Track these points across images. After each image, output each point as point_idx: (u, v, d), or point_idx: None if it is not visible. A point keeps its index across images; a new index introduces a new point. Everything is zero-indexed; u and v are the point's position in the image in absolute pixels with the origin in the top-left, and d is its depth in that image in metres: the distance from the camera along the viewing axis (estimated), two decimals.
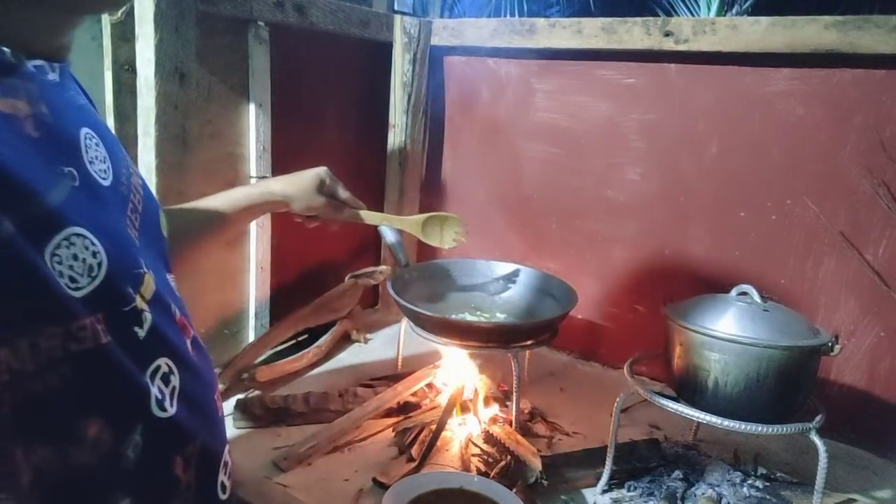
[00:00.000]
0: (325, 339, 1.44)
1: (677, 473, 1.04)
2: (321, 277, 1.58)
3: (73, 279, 0.41)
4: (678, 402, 0.94)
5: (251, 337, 1.42)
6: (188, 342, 0.58)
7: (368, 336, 1.58)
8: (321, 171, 1.06)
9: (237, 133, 1.29)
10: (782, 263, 1.31)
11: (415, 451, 1.05)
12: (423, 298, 1.28)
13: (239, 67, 1.26)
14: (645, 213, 1.46)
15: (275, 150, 1.36)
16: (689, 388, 0.94)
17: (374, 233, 1.71)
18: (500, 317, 1.29)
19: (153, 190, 1.04)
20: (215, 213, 0.93)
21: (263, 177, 1.34)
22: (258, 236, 1.37)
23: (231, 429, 1.12)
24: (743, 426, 0.88)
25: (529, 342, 1.11)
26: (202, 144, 1.20)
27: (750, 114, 1.29)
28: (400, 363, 1.31)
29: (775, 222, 1.30)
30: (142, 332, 0.48)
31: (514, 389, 1.09)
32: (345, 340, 1.54)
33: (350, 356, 1.49)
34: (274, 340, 1.38)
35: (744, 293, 0.96)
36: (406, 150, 1.62)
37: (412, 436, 1.08)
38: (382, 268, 1.58)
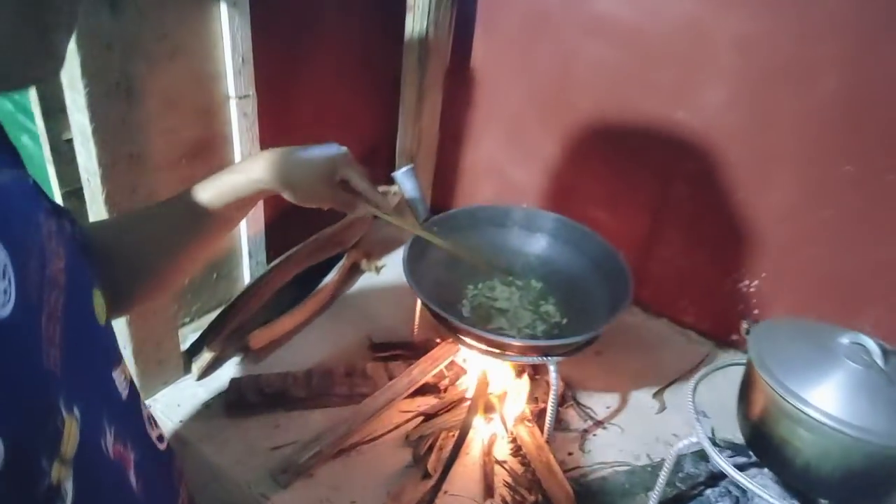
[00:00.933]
0: (330, 279, 1.25)
1: (724, 503, 0.92)
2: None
3: None
4: (755, 468, 0.78)
5: (247, 277, 1.25)
6: (131, 475, 0.47)
7: (380, 263, 1.39)
8: (336, 154, 0.77)
9: (206, 45, 0.98)
10: (886, 234, 1.06)
11: (431, 463, 0.93)
12: (444, 262, 1.07)
13: None
14: (720, 145, 1.17)
15: (258, 59, 1.05)
16: (769, 453, 0.77)
17: (386, 142, 1.44)
18: (536, 286, 1.09)
19: (92, 157, 0.79)
20: (197, 212, 0.68)
21: (246, 95, 1.05)
22: None
23: (223, 419, 0.99)
24: None
25: (571, 349, 0.92)
26: (157, 70, 0.91)
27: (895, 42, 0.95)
28: (416, 327, 1.14)
29: (892, 184, 1.03)
30: None
31: (549, 404, 0.93)
32: (354, 272, 1.36)
33: (360, 293, 1.32)
34: (272, 285, 1.20)
35: (859, 345, 0.74)
36: (428, 40, 1.28)
37: (428, 444, 0.95)
38: (393, 188, 1.34)
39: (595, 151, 1.32)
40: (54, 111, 0.87)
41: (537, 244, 1.12)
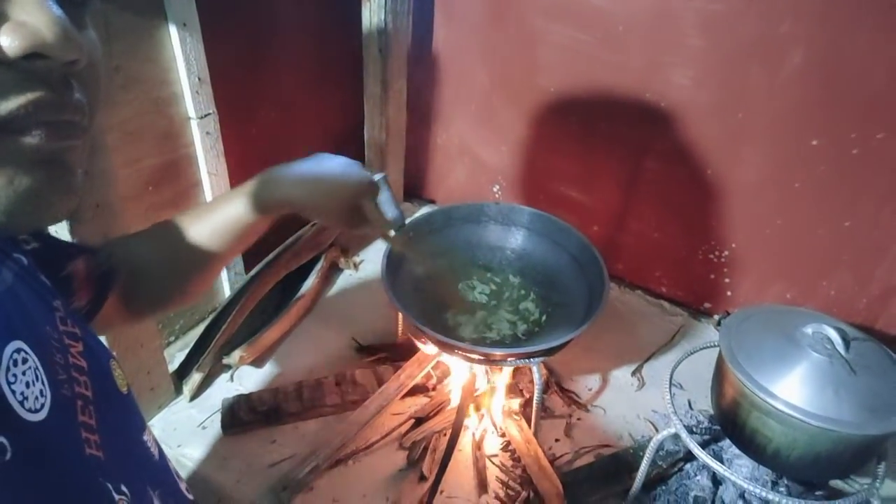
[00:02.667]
0: (309, 285, 1.26)
1: (702, 476, 0.98)
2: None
3: None
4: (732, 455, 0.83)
5: (227, 289, 1.25)
6: None
7: (358, 259, 1.40)
8: (359, 184, 0.74)
9: (160, 71, 0.94)
10: (851, 204, 1.09)
11: (426, 465, 0.97)
12: (423, 259, 1.08)
13: None
14: (690, 124, 1.18)
15: (216, 76, 1.02)
16: (743, 440, 0.82)
17: (354, 135, 1.42)
18: (514, 280, 1.11)
19: None
20: (230, 223, 0.68)
21: (206, 114, 1.03)
22: (213, 185, 1.10)
23: (219, 438, 1.02)
24: None
25: (551, 349, 0.95)
26: (114, 104, 0.88)
27: (860, 18, 0.94)
28: (401, 328, 1.16)
29: (856, 157, 1.05)
30: None
31: (534, 402, 0.97)
32: (333, 271, 1.36)
33: (341, 297, 1.33)
34: (254, 297, 1.20)
35: (822, 334, 0.78)
36: (387, 30, 1.24)
37: (422, 447, 0.99)
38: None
39: (565, 131, 1.32)
40: None
41: (513, 239, 1.14)
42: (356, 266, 1.38)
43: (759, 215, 1.19)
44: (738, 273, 1.27)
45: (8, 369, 0.35)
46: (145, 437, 0.52)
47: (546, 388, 1.12)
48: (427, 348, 1.08)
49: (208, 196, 1.11)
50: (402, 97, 1.38)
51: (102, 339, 0.55)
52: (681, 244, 1.30)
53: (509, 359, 0.92)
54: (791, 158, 1.11)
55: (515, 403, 1.06)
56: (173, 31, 0.92)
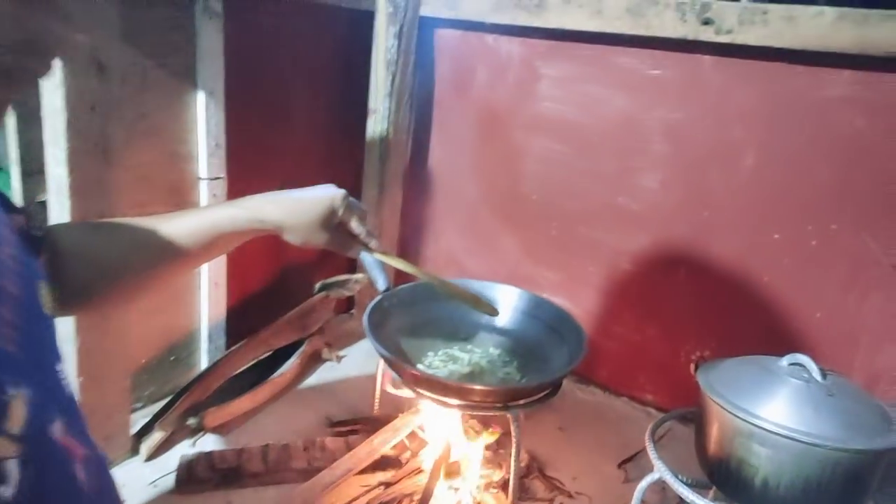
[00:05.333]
0: (289, 365, 1.25)
1: None
2: (287, 288, 1.37)
3: None
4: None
5: (204, 362, 1.23)
6: (78, 468, 0.44)
7: (342, 353, 1.39)
8: (335, 196, 0.78)
9: (182, 128, 1.06)
10: (819, 295, 1.14)
11: None
12: (405, 331, 1.08)
13: (182, 48, 1.02)
14: (661, 225, 1.26)
15: (230, 144, 1.13)
16: (729, 481, 0.77)
17: None
18: (494, 353, 1.10)
19: (66, 213, 0.82)
20: (186, 233, 0.69)
21: (217, 178, 1.12)
22: None
23: (170, 498, 0.94)
24: None
25: (532, 400, 0.93)
26: (134, 146, 0.98)
27: (798, 121, 1.09)
28: (377, 403, 1.13)
29: (815, 249, 1.12)
30: (6, 493, 0.35)
31: (512, 458, 0.91)
32: (315, 360, 1.35)
33: (320, 381, 1.30)
34: (230, 368, 1.18)
35: (798, 364, 0.78)
36: (388, 140, 1.39)
37: None
38: (358, 276, 1.38)
39: (546, 237, 1.40)
40: (32, 172, 0.91)
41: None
42: (339, 359, 1.37)
43: (735, 312, 1.22)
44: None
45: None
46: (59, 368, 0.51)
47: (528, 472, 1.06)
48: (401, 421, 1.05)
49: None
50: (397, 204, 1.49)
51: None
52: (663, 346, 1.31)
53: (487, 402, 0.89)
54: (756, 253, 1.18)
55: (496, 476, 0.99)
56: (200, 95, 1.06)
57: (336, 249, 0.83)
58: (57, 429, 0.43)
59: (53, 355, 0.49)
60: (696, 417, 0.85)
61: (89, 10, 0.83)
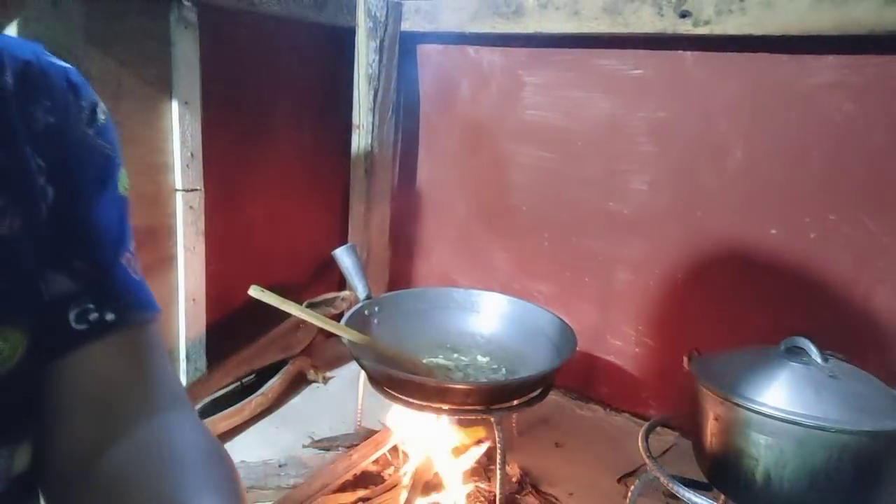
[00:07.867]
0: (272, 385, 1.20)
1: None
2: (271, 307, 1.33)
3: None
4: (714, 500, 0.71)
5: (183, 383, 1.18)
6: None
7: (329, 374, 1.34)
8: None
9: (157, 137, 1.05)
10: (823, 292, 1.08)
11: None
12: (388, 339, 1.04)
13: (158, 57, 1.02)
14: (654, 229, 1.22)
15: (208, 156, 1.12)
16: (729, 478, 0.71)
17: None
18: (482, 360, 1.05)
19: None
20: None
21: (193, 189, 1.10)
22: (187, 261, 1.12)
23: None
24: None
25: (517, 402, 0.87)
26: None
27: (785, 111, 1.05)
28: (360, 417, 1.07)
29: (815, 241, 1.07)
30: None
31: (497, 465, 0.85)
32: (300, 381, 1.30)
33: (304, 402, 1.25)
34: (210, 388, 1.14)
35: (797, 348, 0.72)
36: (373, 155, 1.38)
37: None
38: (345, 293, 1.35)
39: (538, 249, 1.36)
40: None
41: (480, 322, 1.11)
42: (325, 380, 1.32)
43: (737, 315, 1.16)
44: None
45: None
46: None
47: (520, 489, 0.99)
48: (382, 435, 0.99)
49: (181, 275, 1.12)
50: (385, 221, 1.46)
51: None
52: (664, 357, 1.25)
53: (469, 402, 0.84)
54: (754, 250, 1.13)
55: (483, 486, 0.92)
56: (175, 105, 1.05)
57: None
58: None
59: None
60: (694, 416, 0.79)
61: (58, 16, 0.83)
